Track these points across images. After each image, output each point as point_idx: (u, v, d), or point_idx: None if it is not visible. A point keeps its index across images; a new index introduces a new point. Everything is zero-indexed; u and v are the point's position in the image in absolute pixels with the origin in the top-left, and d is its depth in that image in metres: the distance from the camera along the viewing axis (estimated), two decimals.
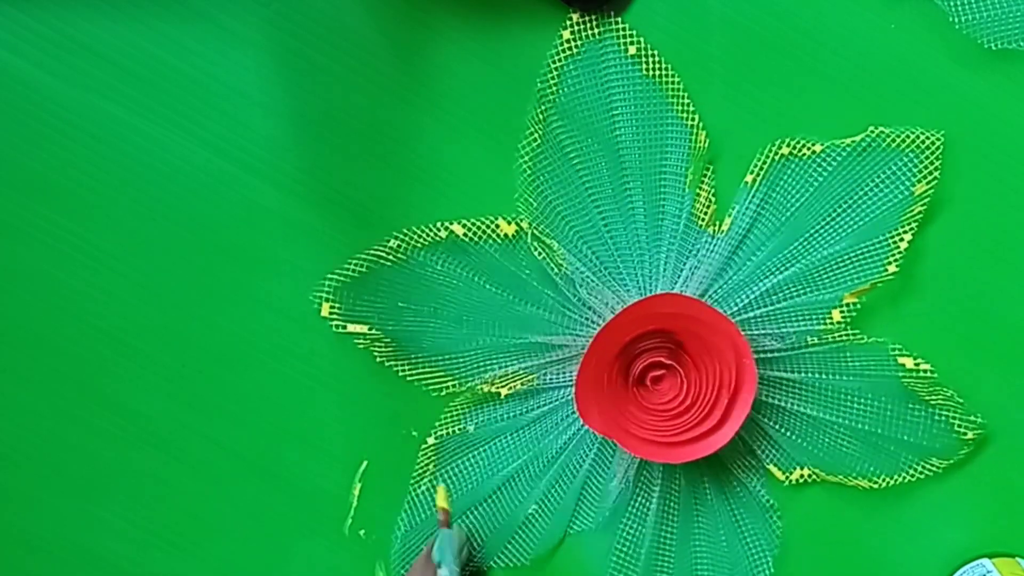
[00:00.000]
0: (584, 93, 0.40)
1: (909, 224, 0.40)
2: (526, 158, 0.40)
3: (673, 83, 0.40)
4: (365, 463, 0.43)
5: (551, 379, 0.42)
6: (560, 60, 0.40)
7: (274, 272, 0.42)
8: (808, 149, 0.40)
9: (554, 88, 0.40)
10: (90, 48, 0.40)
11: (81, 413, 0.42)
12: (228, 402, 0.43)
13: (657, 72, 0.40)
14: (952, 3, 0.39)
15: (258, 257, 0.42)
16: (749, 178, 0.40)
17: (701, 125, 0.40)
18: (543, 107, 0.40)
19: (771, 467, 0.42)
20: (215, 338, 0.42)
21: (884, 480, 0.42)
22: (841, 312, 0.41)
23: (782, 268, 0.41)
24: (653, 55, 0.40)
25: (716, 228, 0.41)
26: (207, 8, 0.40)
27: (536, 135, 0.40)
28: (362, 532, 0.43)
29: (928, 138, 0.40)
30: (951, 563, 0.43)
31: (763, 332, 0.41)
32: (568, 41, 0.39)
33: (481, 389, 0.42)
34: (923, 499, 0.43)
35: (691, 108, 0.40)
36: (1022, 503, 0.42)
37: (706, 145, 0.40)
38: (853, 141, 0.40)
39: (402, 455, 0.43)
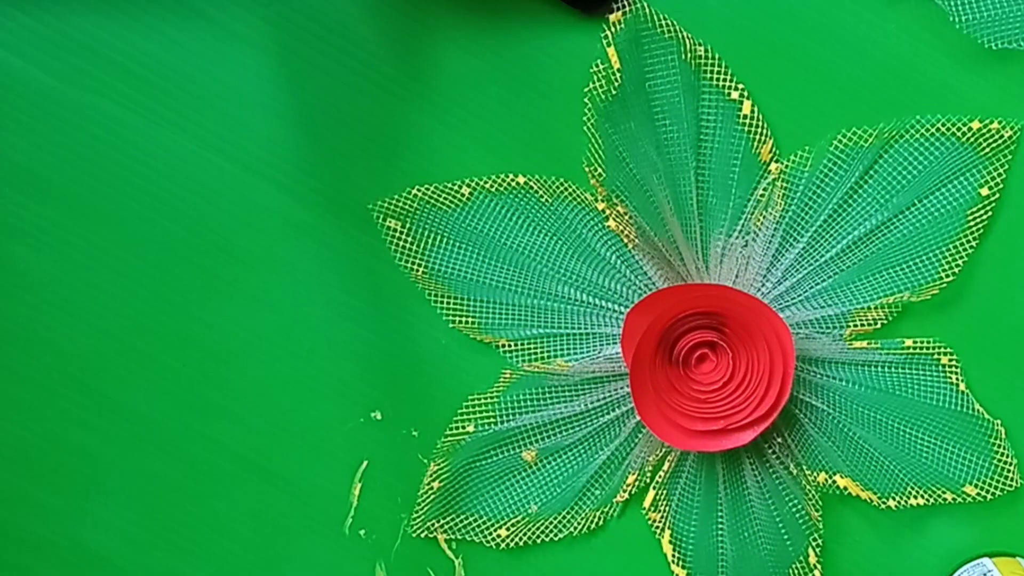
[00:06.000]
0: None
1: (970, 232, 0.40)
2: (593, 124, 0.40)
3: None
4: (365, 463, 0.43)
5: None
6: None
7: (274, 272, 0.42)
8: (871, 135, 0.39)
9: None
10: (90, 48, 0.40)
11: (81, 413, 0.42)
12: (228, 402, 0.43)
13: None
14: (952, 3, 0.39)
15: (258, 257, 0.42)
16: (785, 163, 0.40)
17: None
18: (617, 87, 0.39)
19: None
20: (215, 338, 0.42)
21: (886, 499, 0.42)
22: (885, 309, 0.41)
23: (824, 268, 0.41)
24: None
25: (765, 216, 0.40)
26: (207, 8, 0.40)
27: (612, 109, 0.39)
28: (362, 532, 0.43)
29: (999, 130, 0.39)
30: (951, 562, 0.43)
31: (800, 320, 0.41)
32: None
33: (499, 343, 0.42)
34: None
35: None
36: (1023, 502, 0.42)
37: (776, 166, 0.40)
38: (920, 128, 0.39)
39: (402, 455, 0.43)
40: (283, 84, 0.41)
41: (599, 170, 0.40)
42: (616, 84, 0.39)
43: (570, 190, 0.40)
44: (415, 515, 0.43)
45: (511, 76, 0.40)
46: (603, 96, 0.39)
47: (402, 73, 0.41)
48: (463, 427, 0.42)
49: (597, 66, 0.39)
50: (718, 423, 0.39)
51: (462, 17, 0.40)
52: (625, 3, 0.39)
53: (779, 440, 0.41)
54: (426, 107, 0.41)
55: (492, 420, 0.42)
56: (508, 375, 0.42)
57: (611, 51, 0.39)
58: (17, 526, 0.43)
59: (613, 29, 0.39)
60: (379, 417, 0.43)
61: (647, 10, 0.39)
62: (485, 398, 0.42)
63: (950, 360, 0.41)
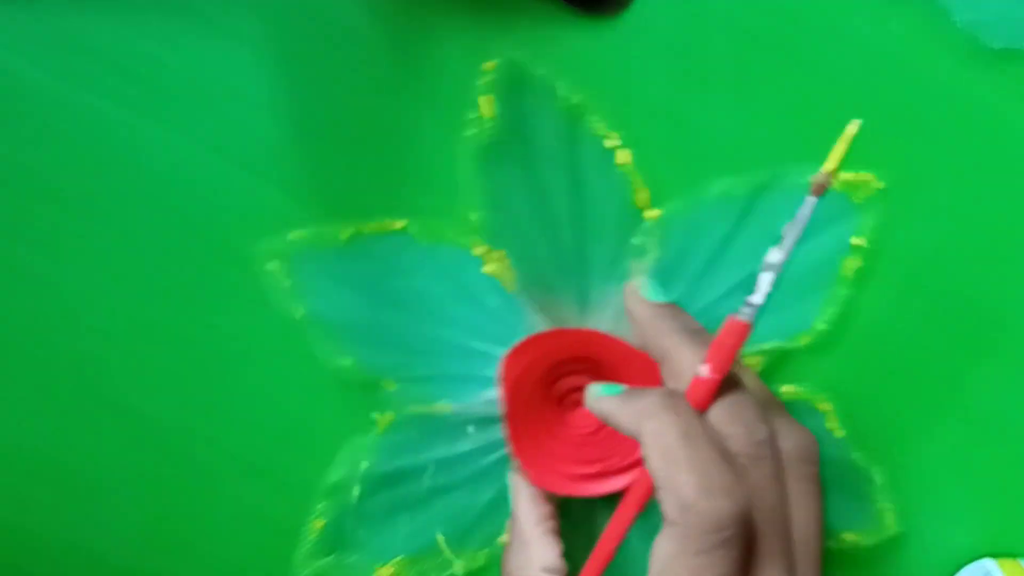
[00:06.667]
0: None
1: (843, 280, 0.40)
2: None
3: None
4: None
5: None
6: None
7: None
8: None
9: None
10: (90, 48, 0.40)
11: (81, 413, 0.42)
12: (228, 402, 0.43)
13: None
14: (952, 3, 0.39)
15: (258, 257, 0.42)
16: (654, 213, 0.40)
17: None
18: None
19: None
20: (215, 338, 0.42)
21: None
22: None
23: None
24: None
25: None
26: (207, 8, 0.40)
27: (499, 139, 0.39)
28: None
29: (870, 182, 0.40)
30: (952, 563, 0.43)
31: None
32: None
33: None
34: (924, 498, 0.42)
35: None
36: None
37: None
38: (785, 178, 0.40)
39: None
40: (283, 84, 0.41)
41: (478, 215, 0.40)
42: (493, 132, 0.39)
43: (449, 234, 0.40)
44: (300, 555, 0.42)
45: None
46: (481, 142, 0.39)
47: (403, 73, 0.41)
48: (346, 468, 0.42)
49: (474, 112, 0.39)
50: (594, 467, 0.38)
51: (463, 18, 0.40)
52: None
53: None
54: (426, 107, 0.41)
55: (374, 461, 0.42)
56: (390, 416, 0.42)
57: (484, 100, 0.39)
58: (17, 526, 0.43)
59: (487, 78, 0.39)
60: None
61: (519, 62, 0.39)
62: (367, 439, 0.42)
63: (828, 407, 0.41)
